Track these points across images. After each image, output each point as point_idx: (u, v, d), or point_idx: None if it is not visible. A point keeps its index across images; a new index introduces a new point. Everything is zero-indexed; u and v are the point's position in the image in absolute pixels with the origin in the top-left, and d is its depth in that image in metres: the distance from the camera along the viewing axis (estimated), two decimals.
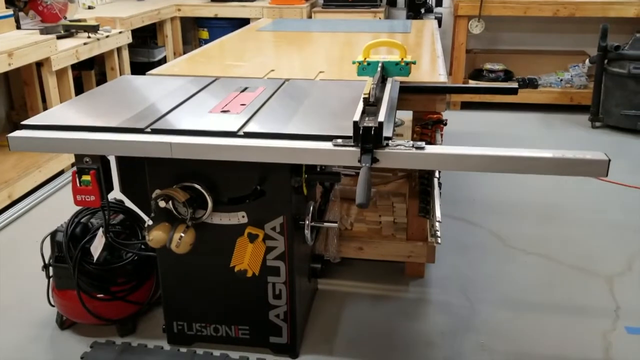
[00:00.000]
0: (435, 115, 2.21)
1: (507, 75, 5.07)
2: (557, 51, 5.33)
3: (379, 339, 2.20)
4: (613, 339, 2.19)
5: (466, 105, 5.09)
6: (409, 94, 2.15)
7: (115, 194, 1.98)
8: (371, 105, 1.69)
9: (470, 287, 2.51)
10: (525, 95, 4.87)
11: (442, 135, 2.24)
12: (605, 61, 4.45)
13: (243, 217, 1.87)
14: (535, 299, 2.44)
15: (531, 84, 5.02)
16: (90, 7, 4.94)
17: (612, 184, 3.43)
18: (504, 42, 5.48)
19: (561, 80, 5.02)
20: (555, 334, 2.23)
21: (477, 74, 5.11)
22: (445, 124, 2.24)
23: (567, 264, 2.70)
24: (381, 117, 1.60)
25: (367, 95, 1.70)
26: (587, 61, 4.90)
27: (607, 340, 2.18)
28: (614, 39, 4.45)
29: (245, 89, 2.12)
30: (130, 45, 4.53)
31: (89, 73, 4.45)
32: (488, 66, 5.07)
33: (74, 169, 1.76)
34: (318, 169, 2.01)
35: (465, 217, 3.13)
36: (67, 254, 2.10)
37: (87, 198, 1.75)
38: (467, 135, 4.43)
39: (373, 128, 1.55)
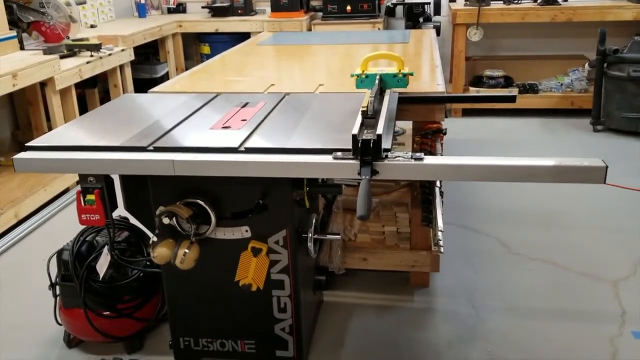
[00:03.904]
0: (434, 125, 2.22)
1: (507, 81, 5.08)
2: (556, 56, 5.35)
3: (386, 350, 2.20)
4: (620, 344, 2.18)
5: (467, 112, 5.11)
6: (408, 104, 2.17)
7: (120, 211, 2.00)
8: (369, 117, 1.71)
9: (475, 295, 2.51)
10: (526, 101, 4.90)
11: (442, 144, 2.26)
12: (605, 65, 4.46)
13: (246, 231, 1.88)
14: (541, 305, 2.44)
15: (531, 89, 5.04)
16: (92, 26, 5.00)
17: (615, 187, 3.43)
18: (503, 49, 5.51)
19: (561, 84, 5.04)
20: (562, 340, 2.23)
21: (478, 81, 5.13)
22: (445, 133, 2.25)
23: (572, 269, 2.69)
24: (380, 129, 1.62)
25: (365, 108, 1.72)
26: (586, 65, 4.92)
27: (614, 345, 2.18)
28: (612, 42, 4.47)
29: (246, 104, 2.14)
30: (132, 62, 4.58)
31: (93, 91, 4.50)
32: (488, 73, 5.09)
33: (79, 188, 1.78)
34: (319, 182, 2.02)
35: (468, 224, 3.14)
36: (73, 273, 2.12)
37: (92, 217, 1.77)
38: (469, 142, 4.44)
39: (372, 140, 1.56)
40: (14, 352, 2.27)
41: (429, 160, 1.59)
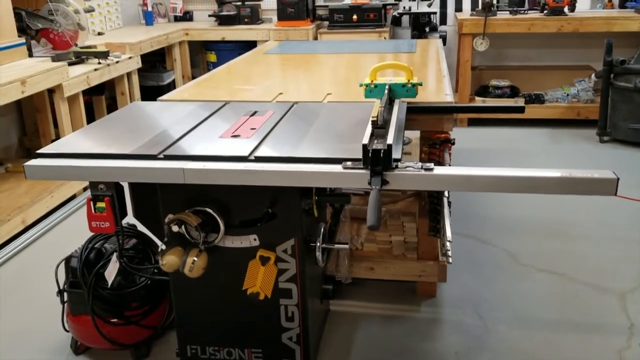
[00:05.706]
0: (443, 135, 2.23)
1: (513, 91, 5.08)
2: (562, 66, 5.36)
3: None
4: (628, 357, 2.17)
5: (473, 122, 5.11)
6: (417, 114, 2.17)
7: (129, 218, 2.00)
8: (379, 127, 1.71)
9: (483, 306, 2.50)
10: (532, 111, 4.89)
11: (450, 154, 2.26)
12: (611, 75, 4.46)
13: (255, 240, 1.88)
14: (548, 317, 2.43)
15: (538, 99, 5.04)
16: (100, 34, 5.03)
17: (621, 198, 3.42)
18: (510, 59, 5.52)
19: (567, 95, 5.04)
20: (569, 352, 2.22)
21: (483, 91, 5.13)
22: (453, 143, 2.26)
23: (579, 280, 2.68)
24: (390, 139, 1.62)
25: (375, 118, 1.72)
26: (593, 76, 4.92)
27: (622, 357, 2.17)
28: (619, 53, 4.47)
29: (255, 112, 2.15)
30: (139, 70, 4.60)
31: (100, 98, 4.52)
32: (494, 82, 5.10)
33: (89, 195, 1.78)
34: (328, 191, 2.03)
35: (476, 234, 3.13)
36: (81, 280, 2.12)
37: (102, 224, 1.77)
38: (475, 152, 4.44)
39: (382, 150, 1.57)
40: (21, 358, 2.27)
41: (439, 170, 1.59)
